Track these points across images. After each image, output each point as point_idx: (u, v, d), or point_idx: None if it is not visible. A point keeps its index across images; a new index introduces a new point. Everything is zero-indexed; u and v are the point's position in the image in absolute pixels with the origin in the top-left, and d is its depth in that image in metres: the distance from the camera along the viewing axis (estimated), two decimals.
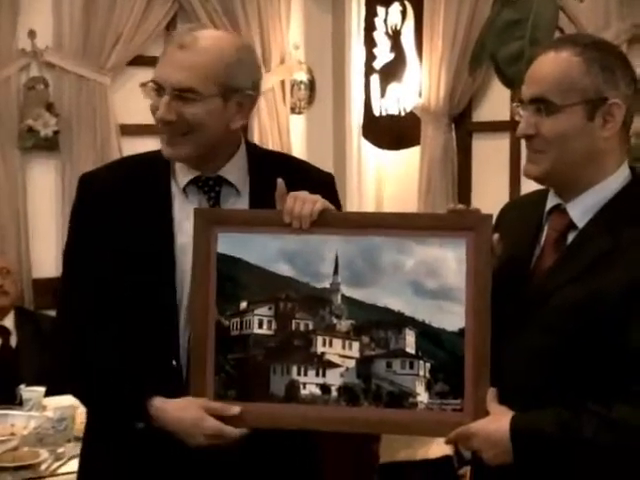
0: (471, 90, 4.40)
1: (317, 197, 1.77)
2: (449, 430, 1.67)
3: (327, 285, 1.74)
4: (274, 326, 1.75)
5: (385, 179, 5.05)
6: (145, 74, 4.76)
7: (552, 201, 1.76)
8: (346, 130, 5.09)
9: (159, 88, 1.77)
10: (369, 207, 4.97)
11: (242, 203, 1.87)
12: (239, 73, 1.79)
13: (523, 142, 4.39)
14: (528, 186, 4.41)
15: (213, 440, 1.72)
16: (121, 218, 1.83)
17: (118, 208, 1.83)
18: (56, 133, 4.27)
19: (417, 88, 4.64)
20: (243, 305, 1.75)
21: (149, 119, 4.95)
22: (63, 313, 1.91)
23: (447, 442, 1.69)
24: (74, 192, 4.39)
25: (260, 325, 1.75)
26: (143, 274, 1.80)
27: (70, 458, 2.81)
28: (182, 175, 1.86)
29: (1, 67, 4.18)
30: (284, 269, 1.75)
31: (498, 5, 2.84)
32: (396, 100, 4.82)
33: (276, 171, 1.84)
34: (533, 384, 1.65)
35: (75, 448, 2.87)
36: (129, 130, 4.50)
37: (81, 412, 3.05)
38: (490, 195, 4.39)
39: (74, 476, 2.72)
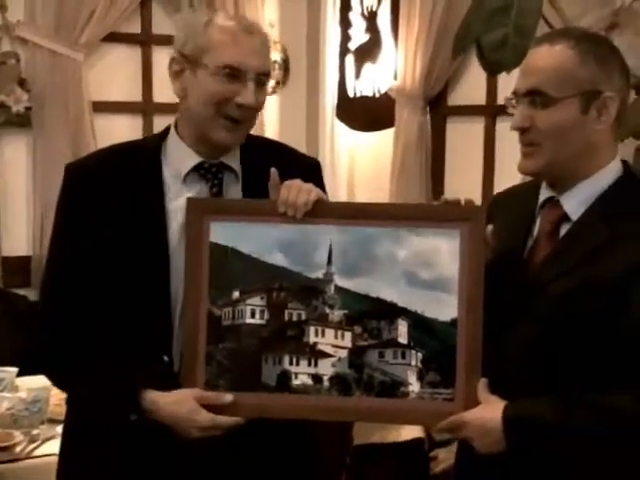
0: (447, 73, 4.40)
1: (311, 186, 1.77)
2: (440, 419, 1.68)
3: (320, 275, 1.74)
4: (266, 316, 1.75)
5: (358, 160, 5.04)
6: (119, 51, 4.72)
7: (545, 193, 1.77)
8: (320, 110, 5.06)
9: (238, 74, 1.76)
10: (341, 188, 4.97)
11: (239, 189, 1.87)
12: None
13: (497, 126, 4.41)
14: (502, 171, 4.45)
15: (207, 433, 1.71)
16: (111, 208, 1.80)
17: (107, 198, 1.81)
18: (28, 109, 4.19)
19: (392, 70, 4.63)
20: (235, 295, 1.75)
21: (122, 96, 4.86)
22: (47, 303, 1.87)
23: (439, 431, 1.70)
24: (46, 169, 4.34)
25: (252, 315, 1.74)
26: (136, 266, 1.78)
27: (44, 440, 2.80)
28: (182, 162, 1.84)
29: None
30: (277, 259, 1.74)
31: None
32: (371, 81, 4.80)
33: (266, 157, 1.85)
34: (526, 374, 1.67)
35: (49, 430, 2.85)
36: (102, 107, 4.44)
37: (55, 394, 3.03)
38: (463, 179, 4.41)
39: (50, 458, 2.71)
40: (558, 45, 1.68)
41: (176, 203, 1.81)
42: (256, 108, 1.80)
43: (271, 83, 1.70)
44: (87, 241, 1.79)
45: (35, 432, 2.82)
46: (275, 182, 1.76)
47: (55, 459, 2.67)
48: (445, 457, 3.37)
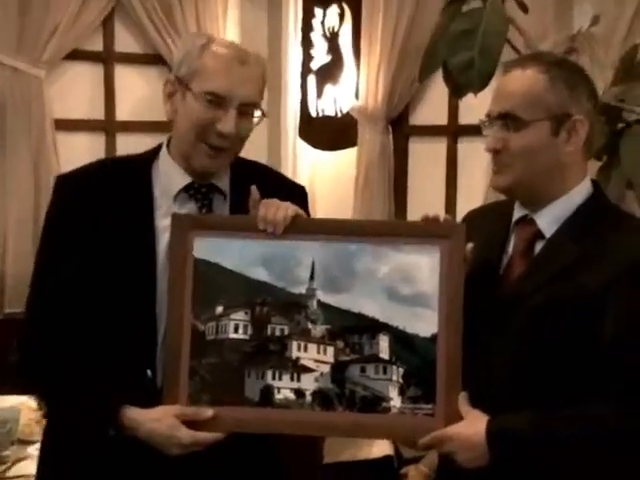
0: (409, 93, 4.46)
1: (289, 204, 1.79)
2: (421, 434, 1.70)
3: (303, 290, 1.76)
4: (250, 331, 1.76)
5: (320, 179, 5.07)
6: (81, 68, 4.71)
7: (519, 212, 1.82)
8: (281, 130, 5.09)
9: (220, 101, 1.77)
10: None
11: (226, 210, 1.88)
12: None
13: (459, 146, 4.47)
14: (464, 190, 4.51)
15: (187, 450, 1.72)
16: (100, 222, 1.80)
17: (96, 213, 1.81)
18: None
19: (354, 90, 4.68)
20: (219, 310, 1.76)
21: (84, 114, 4.83)
22: (32, 318, 1.87)
23: (421, 446, 1.72)
24: (7, 186, 4.29)
25: (236, 330, 1.75)
26: (123, 281, 1.78)
27: (15, 462, 2.76)
28: (173, 181, 1.86)
29: None
30: (260, 274, 1.76)
31: (449, 14, 2.90)
32: (333, 101, 4.85)
33: (254, 179, 1.86)
34: (504, 388, 1.71)
35: (19, 451, 2.82)
36: (64, 125, 4.41)
37: (24, 414, 3.00)
38: (426, 198, 4.47)
39: None
40: (529, 69, 1.74)
41: (165, 221, 1.82)
42: (239, 137, 1.82)
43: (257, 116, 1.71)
44: (74, 254, 1.79)
45: (5, 453, 2.78)
46: (254, 199, 1.79)
47: None
48: (414, 474, 3.38)
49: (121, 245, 1.80)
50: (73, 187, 1.86)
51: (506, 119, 1.73)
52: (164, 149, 1.90)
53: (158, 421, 1.72)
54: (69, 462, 1.85)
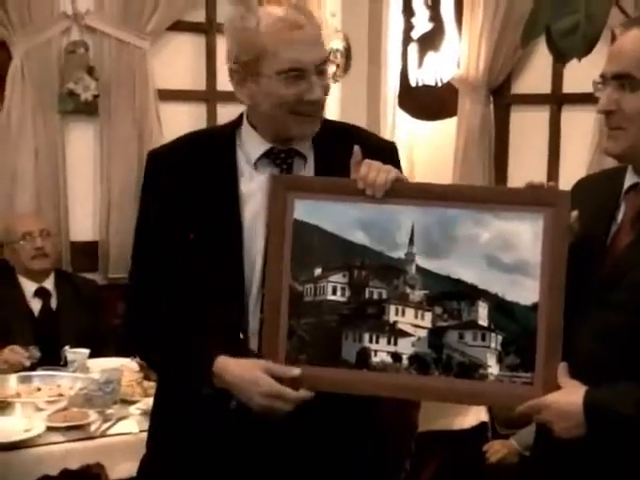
0: (511, 62, 4.37)
1: (390, 167, 1.78)
2: (518, 402, 1.68)
3: (402, 255, 1.75)
4: (347, 293, 1.76)
5: (419, 149, 5.04)
6: (184, 39, 4.78)
7: (631, 179, 1.76)
8: (381, 99, 5.06)
9: (300, 73, 1.77)
10: None
11: (308, 173, 1.89)
12: None
13: (563, 115, 4.35)
14: (567, 161, 4.40)
15: (271, 401, 1.73)
16: (189, 192, 1.85)
17: (185, 182, 1.86)
18: (96, 97, 4.25)
19: (455, 59, 4.62)
20: (317, 271, 1.77)
21: (186, 84, 4.93)
22: (134, 288, 1.95)
23: (518, 414, 1.69)
24: (112, 156, 4.43)
25: (334, 292, 1.76)
26: (212, 248, 1.82)
27: (118, 420, 2.86)
28: (254, 148, 1.88)
29: (42, 30, 4.14)
30: (359, 237, 1.76)
31: None
32: (433, 70, 4.80)
33: (339, 140, 1.87)
34: (605, 361, 1.67)
35: (121, 410, 2.92)
36: (167, 95, 4.49)
37: (126, 375, 3.10)
38: (527, 169, 4.38)
39: (123, 437, 2.80)
40: None
41: (250, 186, 1.86)
42: (325, 98, 1.83)
43: (332, 69, 1.68)
44: (166, 223, 1.85)
45: (109, 412, 2.88)
46: (357, 160, 1.78)
47: (128, 438, 2.76)
48: (499, 448, 3.38)
49: (209, 213, 1.84)
50: (162, 162, 1.92)
51: (622, 79, 1.68)
52: (245, 118, 1.92)
53: (244, 370, 1.75)
54: (176, 421, 1.92)
